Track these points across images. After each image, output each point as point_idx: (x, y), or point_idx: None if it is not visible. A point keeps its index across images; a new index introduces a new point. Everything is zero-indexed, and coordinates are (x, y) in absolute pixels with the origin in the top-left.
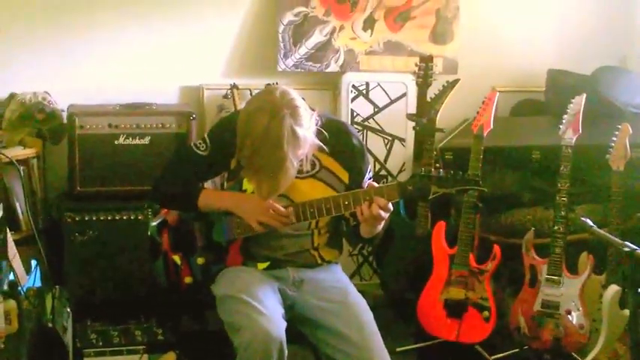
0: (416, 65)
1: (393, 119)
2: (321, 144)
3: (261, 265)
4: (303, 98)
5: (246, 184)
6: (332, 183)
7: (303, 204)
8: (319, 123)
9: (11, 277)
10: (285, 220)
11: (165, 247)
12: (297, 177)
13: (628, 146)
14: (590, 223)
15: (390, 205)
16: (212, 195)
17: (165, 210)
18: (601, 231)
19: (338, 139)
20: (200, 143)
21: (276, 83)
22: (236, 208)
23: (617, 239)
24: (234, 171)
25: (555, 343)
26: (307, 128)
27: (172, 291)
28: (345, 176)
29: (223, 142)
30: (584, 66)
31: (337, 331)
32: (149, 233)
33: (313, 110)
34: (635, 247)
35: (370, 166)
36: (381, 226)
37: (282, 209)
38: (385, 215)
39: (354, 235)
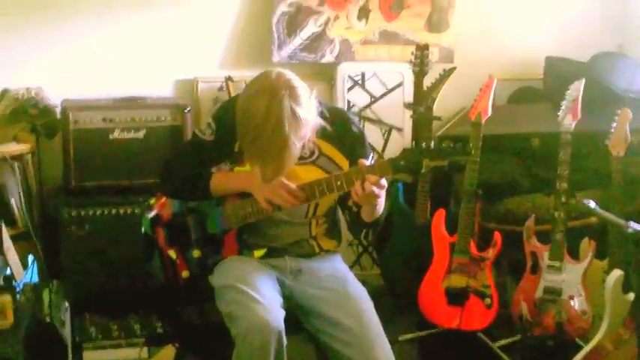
0: (412, 54)
1: (390, 109)
2: (324, 122)
3: (258, 253)
4: None
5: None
6: (331, 170)
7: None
8: (319, 108)
9: (8, 271)
10: (294, 200)
11: (160, 244)
12: (296, 163)
13: (628, 131)
14: (593, 204)
15: (384, 181)
16: (223, 177)
17: (161, 203)
18: (604, 212)
19: (338, 127)
20: (205, 128)
21: None
22: (248, 186)
23: (620, 220)
24: (237, 154)
25: (558, 329)
26: (307, 108)
27: (170, 286)
28: (344, 164)
29: (228, 125)
30: (582, 53)
31: (336, 319)
32: (142, 230)
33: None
34: (639, 227)
35: (371, 154)
36: (381, 208)
37: (293, 186)
38: (379, 192)
39: (356, 222)
